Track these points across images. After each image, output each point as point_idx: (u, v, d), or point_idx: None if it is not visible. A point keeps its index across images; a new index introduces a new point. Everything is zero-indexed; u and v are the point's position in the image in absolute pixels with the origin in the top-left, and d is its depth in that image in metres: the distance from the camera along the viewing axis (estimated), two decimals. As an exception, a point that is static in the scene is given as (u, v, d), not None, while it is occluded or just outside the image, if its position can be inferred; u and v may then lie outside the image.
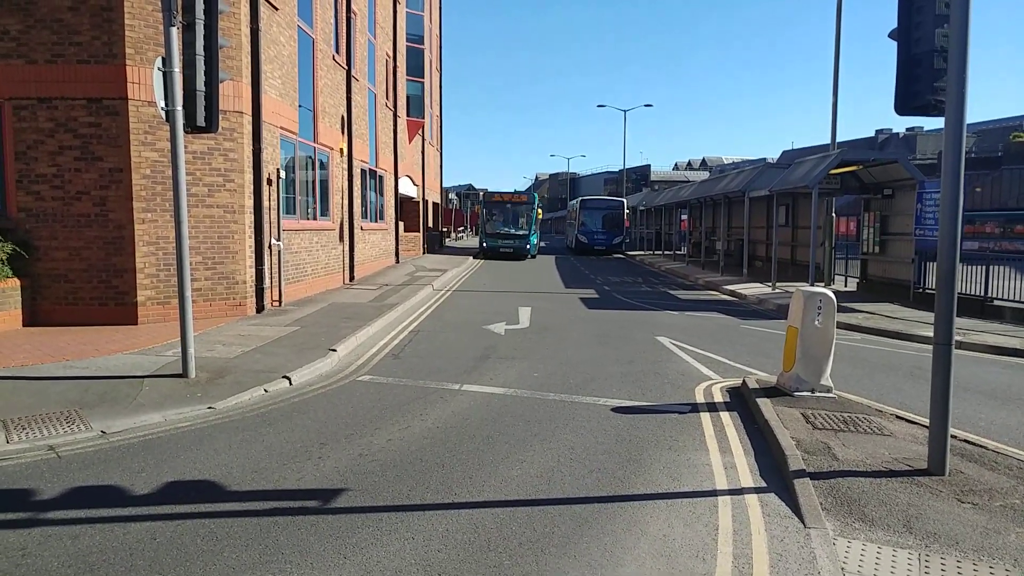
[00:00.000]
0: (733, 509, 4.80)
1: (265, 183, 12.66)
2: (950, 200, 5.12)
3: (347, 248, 18.32)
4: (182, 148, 7.77)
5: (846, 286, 20.49)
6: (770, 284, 19.69)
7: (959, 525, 4.47)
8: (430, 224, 33.30)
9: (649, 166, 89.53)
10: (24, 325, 10.85)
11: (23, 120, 10.87)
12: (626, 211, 40.42)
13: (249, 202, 12.16)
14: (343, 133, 17.99)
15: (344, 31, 18.05)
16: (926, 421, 6.73)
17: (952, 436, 6.18)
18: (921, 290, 16.82)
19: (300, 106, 14.80)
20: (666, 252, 37.48)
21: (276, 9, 13.22)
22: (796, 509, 4.75)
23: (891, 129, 73.47)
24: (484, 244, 33.12)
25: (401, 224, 29.98)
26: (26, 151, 10.89)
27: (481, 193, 33.91)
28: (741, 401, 7.61)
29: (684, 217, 37.09)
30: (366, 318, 12.23)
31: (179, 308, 7.94)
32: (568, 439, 6.31)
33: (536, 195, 35.23)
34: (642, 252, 42.09)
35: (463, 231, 62.73)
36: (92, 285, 11.09)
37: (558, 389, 8.14)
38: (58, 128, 10.89)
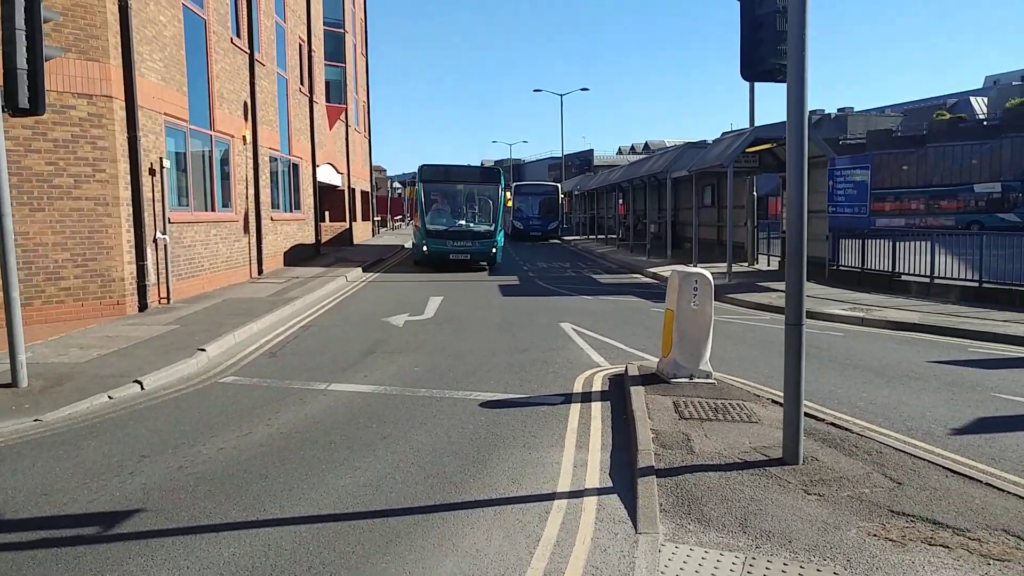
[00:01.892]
0: (566, 515, 4.39)
1: (146, 173, 11.82)
2: (795, 171, 4.78)
3: (254, 240, 17.48)
4: (0, 135, 7.00)
5: (769, 265, 20.50)
6: (692, 266, 19.53)
7: (797, 521, 4.14)
8: (357, 214, 32.09)
9: (592, 151, 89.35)
10: None
11: None
12: (561, 196, 40.11)
13: (125, 193, 11.31)
14: (246, 120, 17.11)
15: (245, 13, 17.13)
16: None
17: (819, 419, 5.96)
18: (836, 267, 16.86)
19: (191, 91, 13.91)
20: (602, 237, 37.34)
21: (152, -14, 12.33)
22: (633, 513, 4.36)
23: (823, 110, 74.89)
24: (425, 247, 20.42)
25: (326, 214, 29.11)
26: None
27: (418, 169, 21.50)
28: (619, 390, 7.24)
29: (620, 201, 37.03)
30: (256, 314, 11.55)
31: (5, 311, 7.17)
32: (419, 440, 5.83)
33: (501, 172, 22.59)
34: (579, 237, 41.93)
35: (400, 219, 61.71)
36: (-57, 287, 10.15)
37: (433, 384, 7.66)
38: None
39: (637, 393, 6.63)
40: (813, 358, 9.04)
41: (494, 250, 20.96)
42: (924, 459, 5.11)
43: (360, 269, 19.82)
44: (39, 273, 10.60)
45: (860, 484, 4.66)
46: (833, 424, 5.89)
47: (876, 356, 9.26)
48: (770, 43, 4.91)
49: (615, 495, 4.69)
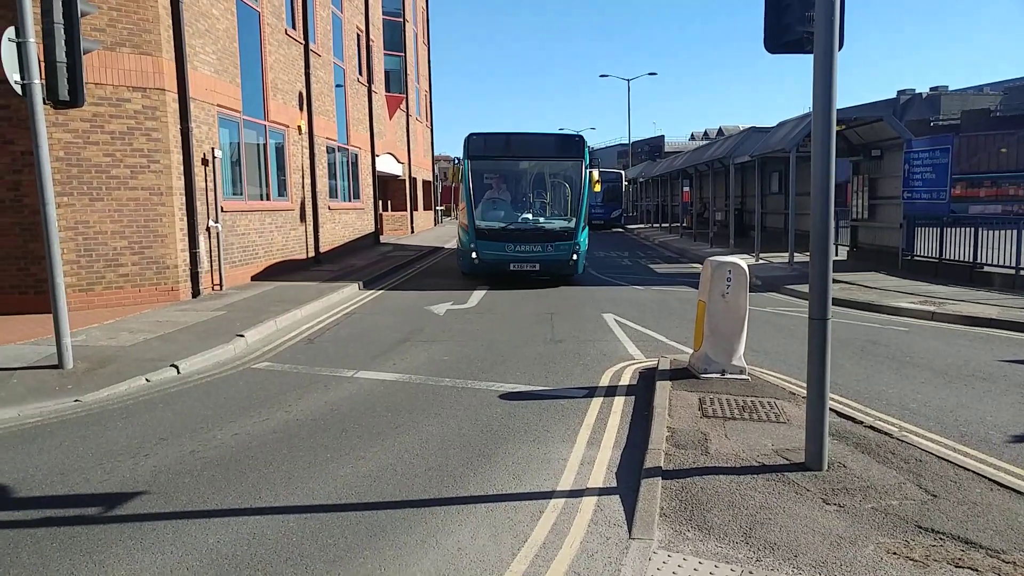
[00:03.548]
0: (560, 516, 4.19)
1: (199, 163, 12.15)
2: (821, 154, 4.40)
3: (311, 229, 17.80)
4: (43, 125, 7.24)
5: (836, 255, 19.52)
6: (754, 255, 18.83)
7: (809, 533, 3.82)
8: (419, 203, 32.32)
9: (663, 137, 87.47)
10: (-60, 316, 10.51)
11: (-70, 104, 10.43)
12: (624, 183, 39.37)
13: (178, 183, 11.65)
14: (302, 110, 17.39)
15: (300, 4, 17.37)
16: (840, 405, 6.09)
17: (857, 421, 5.55)
18: (911, 257, 15.89)
19: (244, 83, 14.20)
20: (666, 225, 36.50)
21: (206, -20, 12.60)
22: (630, 516, 4.13)
23: (914, 89, 70.89)
24: (475, 254, 14.39)
25: (387, 203, 29.46)
26: (-66, 136, 10.46)
27: (464, 141, 15.05)
28: (648, 385, 6.95)
29: (687, 188, 36.06)
30: (302, 301, 11.71)
31: (51, 297, 7.44)
32: (429, 431, 5.73)
33: (585, 141, 15.21)
34: (643, 225, 41.13)
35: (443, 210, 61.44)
36: (10, 273, 10.69)
37: (458, 374, 7.54)
38: (-35, 111, 10.44)
39: (662, 388, 6.34)
40: (869, 355, 8.51)
41: (574, 257, 14.30)
42: (969, 469, 4.65)
43: (414, 257, 19.93)
44: (99, 260, 11.02)
45: (889, 495, 4.27)
46: (872, 427, 5.46)
47: (941, 354, 8.61)
48: (797, 9, 4.52)
49: (616, 496, 4.46)
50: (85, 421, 6.13)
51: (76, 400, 6.68)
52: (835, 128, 4.43)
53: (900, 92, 71.12)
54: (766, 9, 4.64)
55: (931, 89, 69.93)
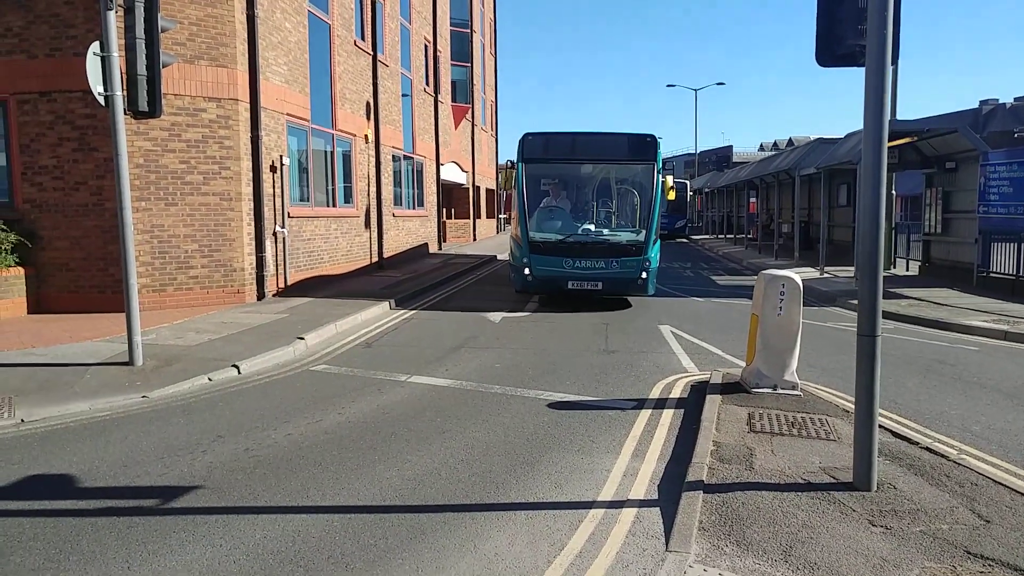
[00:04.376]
0: (598, 526, 4.20)
1: (267, 170, 12.62)
2: (872, 167, 4.29)
3: (375, 235, 18.22)
4: (123, 134, 7.69)
5: (908, 270, 18.84)
6: (819, 268, 18.33)
7: (851, 555, 3.73)
8: (482, 211, 32.68)
9: (731, 147, 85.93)
10: (29, 312, 11.21)
11: (26, 114, 11.19)
12: (689, 193, 38.87)
13: (247, 189, 12.13)
14: (369, 119, 17.85)
15: (369, 16, 17.86)
16: (897, 425, 5.90)
17: (912, 442, 5.38)
18: (986, 274, 15.17)
19: (313, 92, 14.69)
20: (731, 236, 35.84)
21: (279, -6, 13.11)
22: (668, 529, 4.10)
23: (997, 99, 67.74)
24: (529, 270, 12.62)
25: (451, 211, 29.86)
26: (29, 144, 11.21)
27: (519, 141, 13.35)
28: (699, 398, 6.86)
29: (753, 199, 35.36)
30: (363, 306, 12.01)
31: (124, 296, 7.87)
32: (475, 437, 5.81)
33: (659, 141, 13.31)
34: (708, 236, 40.47)
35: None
36: (91, 273, 11.34)
37: (508, 381, 7.62)
38: (57, 120, 11.15)
39: (712, 402, 6.26)
40: (934, 374, 8.20)
41: (643, 275, 12.37)
42: (1027, 495, 4.45)
43: (474, 264, 20.16)
44: (172, 262, 11.57)
45: (939, 519, 4.12)
46: (928, 449, 5.27)
47: (1011, 375, 8.22)
48: (850, 21, 4.44)
49: (657, 508, 4.44)
50: (150, 417, 6.45)
51: (143, 396, 7.03)
52: (886, 144, 4.32)
53: (982, 102, 67.89)
54: (818, 22, 4.58)
55: (1015, 99, 66.54)
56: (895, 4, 4.30)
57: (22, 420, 6.31)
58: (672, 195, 13.57)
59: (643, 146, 13.20)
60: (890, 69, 4.22)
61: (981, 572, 3.56)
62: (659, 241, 13.20)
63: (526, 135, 13.36)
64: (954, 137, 15.68)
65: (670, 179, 13.30)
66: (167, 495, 4.68)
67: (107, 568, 3.72)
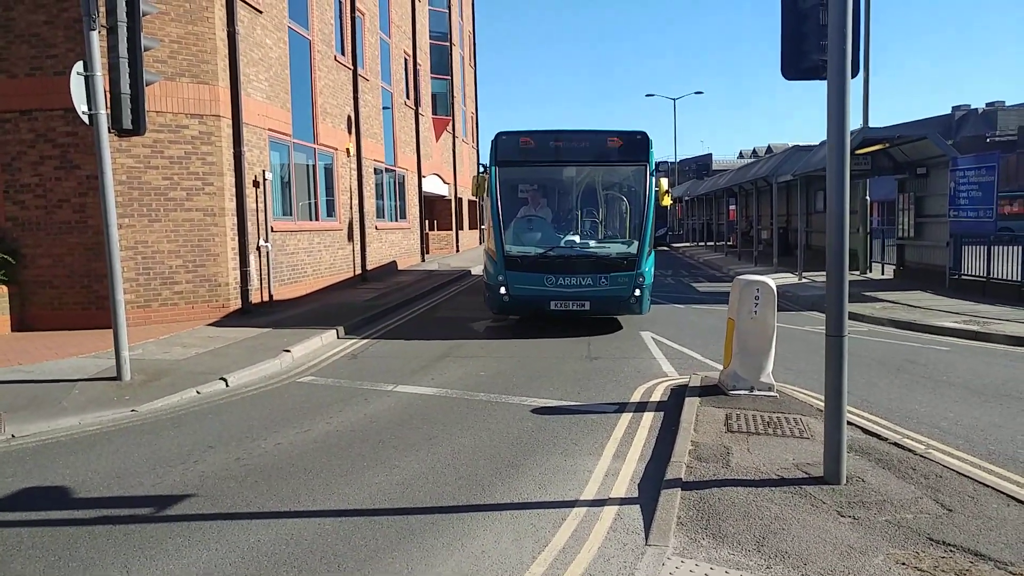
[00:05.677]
0: (581, 523, 4.37)
1: (250, 185, 12.72)
2: (836, 173, 4.52)
3: (358, 248, 18.33)
4: (108, 152, 7.79)
5: (883, 274, 19.25)
6: (797, 274, 18.68)
7: (820, 543, 3.92)
8: (464, 222, 32.85)
9: (710, 155, 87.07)
10: (13, 330, 11.20)
11: (7, 132, 11.23)
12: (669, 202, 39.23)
13: (231, 204, 12.22)
14: (350, 133, 18.00)
15: (349, 31, 18.04)
16: (867, 422, 6.14)
17: (882, 438, 5.61)
18: (958, 276, 15.57)
19: (295, 107, 14.82)
20: (712, 243, 36.26)
21: (260, 12, 13.25)
22: (648, 524, 4.28)
23: (969, 105, 69.12)
24: (505, 289, 11.13)
25: (433, 223, 30.00)
26: (10, 162, 11.24)
27: (492, 141, 11.79)
28: (678, 401, 7.06)
29: (732, 207, 35.79)
30: (347, 318, 12.12)
31: (111, 312, 7.95)
32: (461, 443, 5.96)
33: (650, 140, 11.56)
34: (689, 244, 40.91)
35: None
36: (75, 290, 11.37)
37: (492, 389, 7.77)
38: (38, 139, 11.20)
39: (691, 404, 6.47)
40: (905, 373, 8.47)
41: (636, 292, 11.05)
42: (988, 485, 4.68)
43: (458, 275, 20.32)
44: (156, 278, 11.62)
45: (904, 509, 4.34)
46: (896, 444, 5.49)
47: (980, 373, 8.50)
48: (815, 38, 4.68)
49: (637, 506, 4.62)
50: (140, 429, 6.54)
51: (132, 410, 7.11)
52: (848, 152, 4.56)
53: (955, 108, 69.37)
54: (783, 38, 4.82)
55: (987, 105, 68.03)
56: (854, 21, 4.56)
57: (12, 435, 6.38)
58: (668, 200, 12.03)
59: (633, 145, 11.50)
60: (850, 82, 4.45)
61: (943, 557, 3.77)
62: (653, 253, 11.85)
63: (499, 135, 11.72)
64: (924, 143, 16.11)
65: (664, 182, 11.78)
66: (161, 503, 4.79)
67: (106, 572, 3.84)
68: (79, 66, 7.56)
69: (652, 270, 11.61)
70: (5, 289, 11.09)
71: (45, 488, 5.09)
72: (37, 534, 4.32)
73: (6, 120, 11.22)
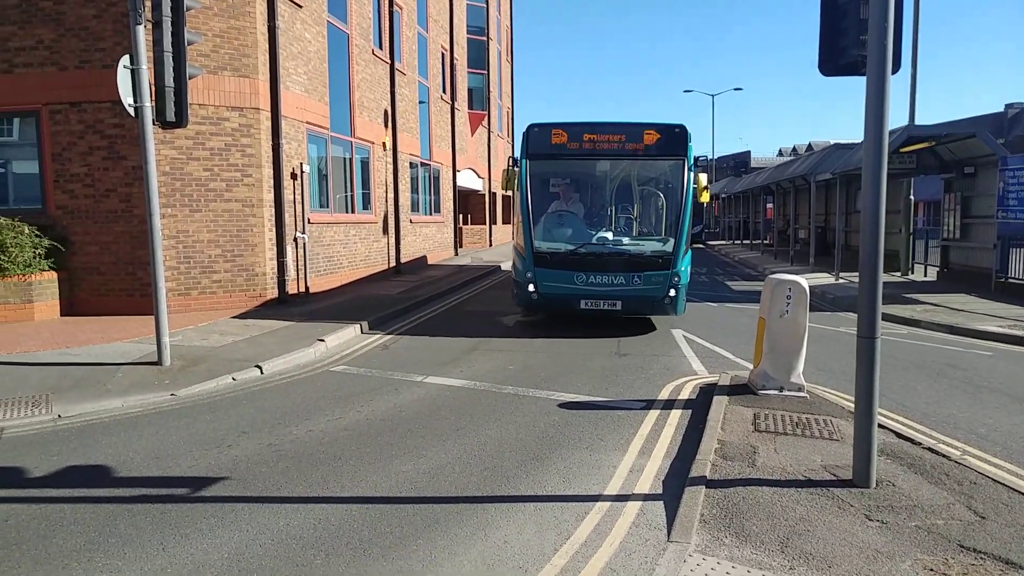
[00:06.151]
0: (604, 517, 4.40)
1: (288, 177, 12.94)
2: (872, 172, 4.45)
3: (392, 241, 18.52)
4: (152, 144, 8.00)
5: (926, 275, 18.81)
6: (834, 274, 18.36)
7: (846, 546, 3.89)
8: (498, 217, 32.92)
9: (749, 152, 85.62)
10: (62, 314, 11.58)
11: (58, 124, 11.59)
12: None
13: (269, 196, 12.45)
14: (386, 127, 18.17)
15: (387, 25, 18.19)
16: (901, 427, 6.04)
17: (915, 442, 5.52)
18: (1004, 280, 15.15)
19: (332, 101, 15.02)
20: (748, 241, 35.81)
21: (300, 7, 13.45)
22: (671, 521, 4.29)
23: (1021, 103, 66.94)
24: (533, 287, 10.85)
25: (467, 217, 30.15)
26: (61, 152, 11.61)
27: (523, 134, 11.34)
28: (706, 400, 7.02)
29: (770, 205, 35.30)
30: (382, 309, 12.27)
31: (153, 299, 8.18)
32: (488, 434, 6.02)
33: (689, 133, 10.96)
34: (725, 242, 40.47)
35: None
36: (120, 277, 11.70)
37: (521, 382, 7.82)
38: (87, 130, 11.54)
39: (719, 403, 6.43)
40: (944, 377, 8.30)
41: (671, 293, 10.67)
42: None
43: (490, 269, 20.41)
44: (196, 267, 11.90)
45: (935, 515, 4.27)
46: (930, 449, 5.40)
47: (1022, 380, 8.30)
48: (853, 33, 4.61)
49: (660, 502, 4.62)
50: (178, 413, 6.73)
51: (172, 394, 7.32)
52: (886, 151, 4.48)
53: (1008, 105, 67.14)
54: (821, 32, 4.76)
55: (1041, 101, 65.77)
56: (897, 16, 4.48)
57: (59, 416, 6.61)
58: (706, 196, 11.51)
59: (672, 138, 10.95)
60: (890, 78, 4.38)
61: (973, 564, 3.71)
62: (690, 252, 11.39)
63: (531, 126, 11.27)
64: (973, 142, 15.69)
65: (703, 178, 11.29)
66: (197, 484, 4.94)
67: (143, 549, 3.98)
68: (125, 59, 7.77)
69: (688, 269, 11.24)
70: (55, 275, 11.47)
71: (88, 467, 5.28)
72: (79, 510, 4.49)
73: (57, 112, 11.58)
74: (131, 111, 7.89)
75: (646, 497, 4.71)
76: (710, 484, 4.66)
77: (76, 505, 4.57)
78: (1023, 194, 14.75)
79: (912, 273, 19.21)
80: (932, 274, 18.66)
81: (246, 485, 4.94)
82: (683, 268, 10.87)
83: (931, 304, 13.78)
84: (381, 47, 17.92)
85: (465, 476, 5.10)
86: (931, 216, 34.11)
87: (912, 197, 18.94)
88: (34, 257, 11.07)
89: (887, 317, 12.96)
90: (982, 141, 15.60)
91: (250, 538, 4.13)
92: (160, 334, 8.17)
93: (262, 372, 8.26)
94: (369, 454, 5.55)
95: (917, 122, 17.59)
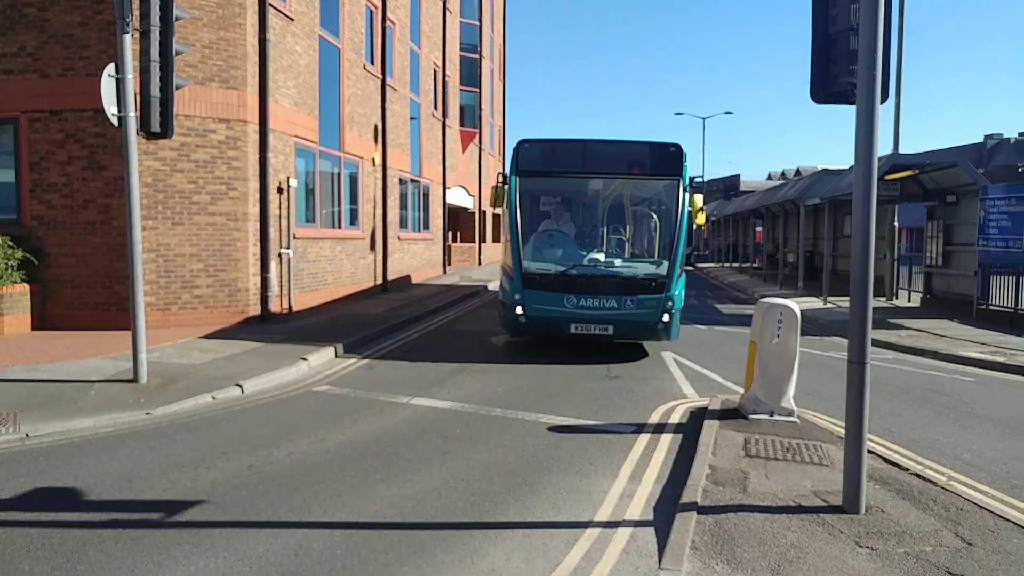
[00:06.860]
0: (594, 544, 4.28)
1: (275, 191, 12.80)
2: (862, 199, 4.43)
3: (380, 258, 18.38)
4: (135, 154, 7.85)
5: (909, 301, 18.93)
6: (822, 298, 18.44)
7: (836, 573, 3.80)
8: (488, 235, 32.90)
9: (738, 176, 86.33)
10: (33, 329, 11.30)
11: (36, 132, 11.39)
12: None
13: (254, 210, 12.30)
14: (376, 142, 18.10)
15: (379, 40, 18.18)
16: (889, 452, 6.00)
17: (902, 468, 5.47)
18: (985, 306, 15.27)
19: (322, 115, 14.93)
20: (738, 264, 36.00)
21: (291, 20, 13.40)
22: (662, 547, 4.18)
23: (1002, 134, 68.10)
24: (521, 309, 10.44)
25: (456, 235, 30.10)
26: (39, 161, 11.40)
27: (513, 150, 11.10)
28: (697, 424, 6.94)
29: (759, 228, 35.55)
30: (367, 328, 12.12)
31: (131, 314, 7.99)
32: (476, 458, 5.89)
33: (684, 152, 10.80)
34: (715, 264, 40.67)
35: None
36: (96, 291, 11.46)
37: (509, 405, 7.70)
38: (67, 139, 11.35)
39: (709, 427, 6.35)
40: (928, 403, 8.29)
41: (665, 317, 10.43)
42: (1009, 520, 4.56)
43: (478, 288, 20.30)
44: (177, 281, 11.70)
45: (923, 541, 4.21)
46: (917, 475, 5.35)
47: (1005, 406, 8.30)
48: (844, 62, 4.61)
49: (651, 529, 4.52)
50: (154, 433, 6.54)
51: (147, 413, 7.11)
52: (875, 178, 4.47)
53: (987, 136, 68.29)
54: (812, 61, 4.77)
55: (1020, 134, 66.96)
56: (885, 47, 4.48)
57: (27, 435, 6.39)
58: (702, 218, 11.25)
59: (666, 158, 10.76)
60: (879, 107, 4.37)
61: (966, 596, 3.64)
62: (684, 275, 11.03)
63: (521, 142, 11.00)
64: (954, 171, 15.88)
65: (699, 199, 11.01)
66: (172, 509, 4.76)
67: (112, 578, 3.81)
68: (111, 68, 7.65)
69: (683, 293, 10.94)
70: (27, 287, 11.20)
71: (56, 489, 5.09)
72: (46, 535, 4.31)
73: (36, 120, 11.39)
74: (114, 121, 7.74)
75: (637, 523, 4.61)
76: (701, 510, 4.57)
77: (43, 530, 4.39)
78: (1003, 223, 14.94)
79: (896, 299, 19.33)
80: (916, 300, 18.79)
81: (224, 509, 4.78)
82: (677, 292, 10.60)
83: (915, 330, 13.84)
84: (373, 62, 17.90)
85: (452, 501, 4.96)
86: (914, 243, 34.44)
87: (896, 224, 19.11)
88: (6, 269, 10.79)
89: (873, 342, 12.97)
90: (963, 171, 15.80)
91: (228, 565, 3.97)
92: (137, 350, 7.97)
93: (243, 391, 8.07)
94: (353, 478, 5.41)
95: (901, 151, 17.79)
